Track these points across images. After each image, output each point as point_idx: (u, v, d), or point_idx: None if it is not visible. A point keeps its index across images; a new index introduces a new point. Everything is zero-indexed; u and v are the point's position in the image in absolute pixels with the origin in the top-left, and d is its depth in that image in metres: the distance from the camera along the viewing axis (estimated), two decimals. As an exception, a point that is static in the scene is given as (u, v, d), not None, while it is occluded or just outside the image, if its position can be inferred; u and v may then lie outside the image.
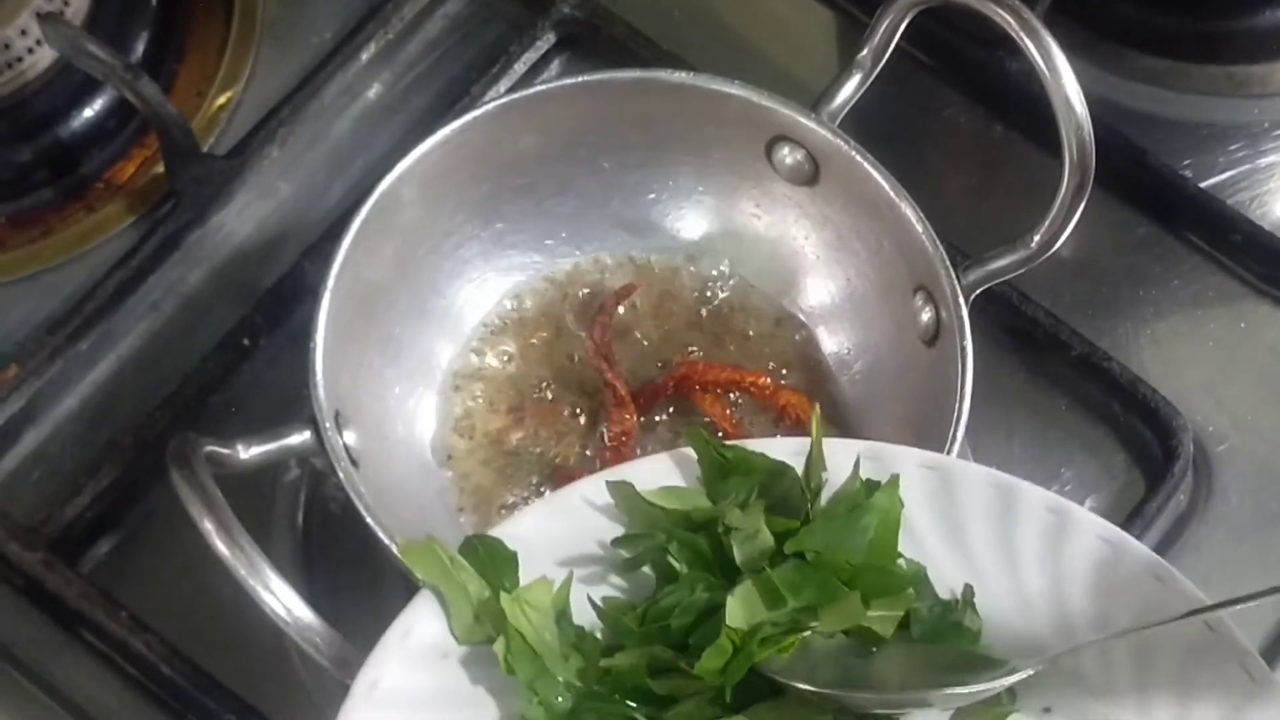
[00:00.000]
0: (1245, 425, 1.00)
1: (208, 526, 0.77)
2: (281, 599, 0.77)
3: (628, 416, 0.94)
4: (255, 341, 1.01)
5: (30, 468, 0.99)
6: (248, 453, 0.84)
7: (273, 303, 1.01)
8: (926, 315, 0.92)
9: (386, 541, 0.84)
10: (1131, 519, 0.96)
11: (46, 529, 0.95)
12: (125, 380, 1.01)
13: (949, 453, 0.86)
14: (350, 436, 0.88)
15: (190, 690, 0.92)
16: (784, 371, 0.97)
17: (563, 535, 0.78)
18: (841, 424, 0.96)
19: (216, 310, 1.02)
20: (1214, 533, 0.97)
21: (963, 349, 0.88)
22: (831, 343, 0.98)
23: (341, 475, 0.85)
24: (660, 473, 0.79)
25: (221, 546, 0.76)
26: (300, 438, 0.85)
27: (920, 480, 0.79)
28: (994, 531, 0.79)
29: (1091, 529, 0.79)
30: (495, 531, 0.77)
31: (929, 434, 0.88)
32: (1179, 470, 0.97)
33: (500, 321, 0.98)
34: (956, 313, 0.89)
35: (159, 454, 0.82)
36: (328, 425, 0.85)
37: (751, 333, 0.98)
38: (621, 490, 0.78)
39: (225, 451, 0.83)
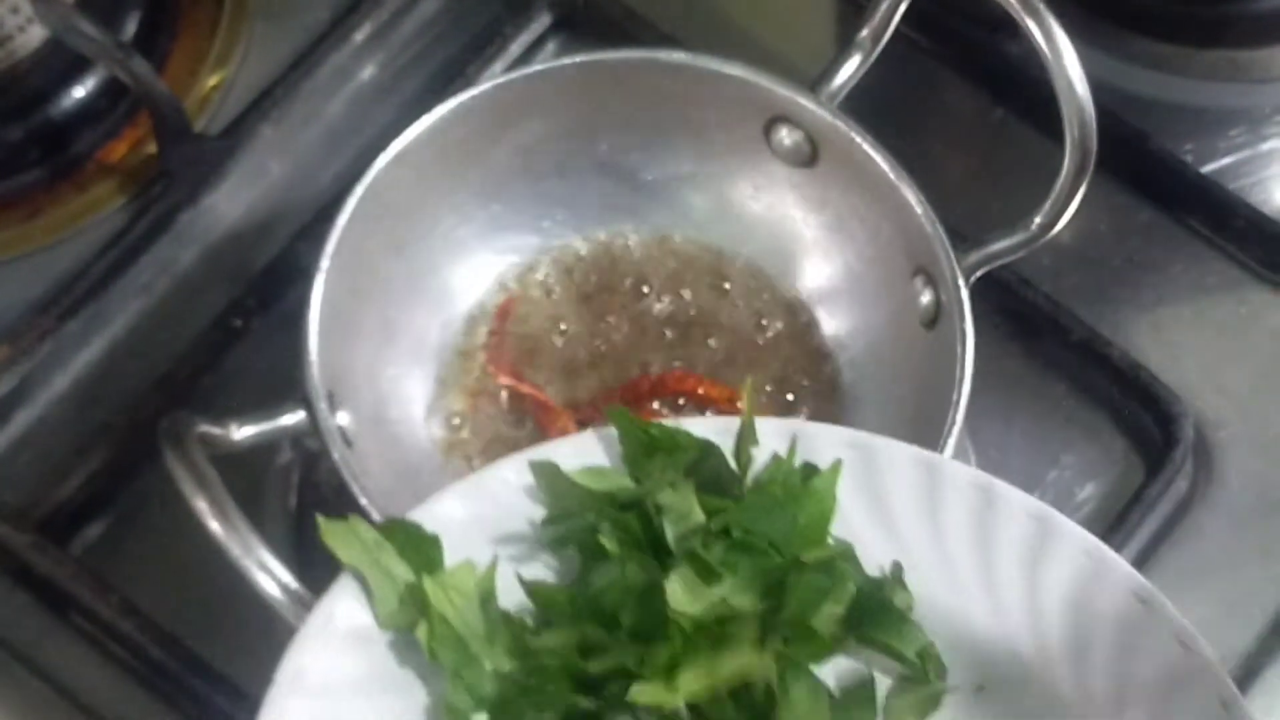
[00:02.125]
0: (1246, 411, 0.99)
1: (201, 505, 0.76)
2: (275, 579, 0.76)
3: (562, 423, 0.94)
4: (248, 323, 1.00)
5: (20, 449, 0.98)
6: (241, 433, 0.83)
7: (265, 284, 1.00)
8: (926, 298, 0.91)
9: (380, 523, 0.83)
10: (1131, 505, 0.95)
11: (37, 511, 0.95)
12: (116, 361, 1.00)
13: (947, 438, 0.86)
14: (344, 417, 0.87)
15: (181, 673, 0.91)
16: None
17: (488, 516, 0.77)
18: (838, 408, 0.95)
19: (209, 291, 1.01)
20: (1215, 518, 0.97)
21: (962, 332, 0.88)
22: (830, 325, 0.97)
23: (335, 456, 0.84)
24: (584, 452, 0.78)
25: (215, 525, 0.76)
26: (294, 418, 0.84)
27: (846, 460, 0.79)
28: (921, 509, 0.78)
29: (1020, 507, 0.78)
30: (415, 513, 0.76)
31: (928, 418, 0.87)
32: (1179, 456, 0.96)
33: (495, 302, 0.97)
34: (956, 295, 0.88)
35: (151, 436, 0.81)
36: (321, 405, 0.85)
37: (747, 315, 0.97)
38: (544, 470, 0.77)
39: (218, 431, 0.82)
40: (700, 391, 0.95)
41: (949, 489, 0.79)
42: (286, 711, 0.72)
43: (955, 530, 0.78)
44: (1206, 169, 1.04)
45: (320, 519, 0.75)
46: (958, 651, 0.77)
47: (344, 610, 0.74)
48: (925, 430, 0.87)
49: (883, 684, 0.77)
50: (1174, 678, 0.75)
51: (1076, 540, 0.78)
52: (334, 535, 0.75)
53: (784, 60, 1.01)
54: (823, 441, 0.79)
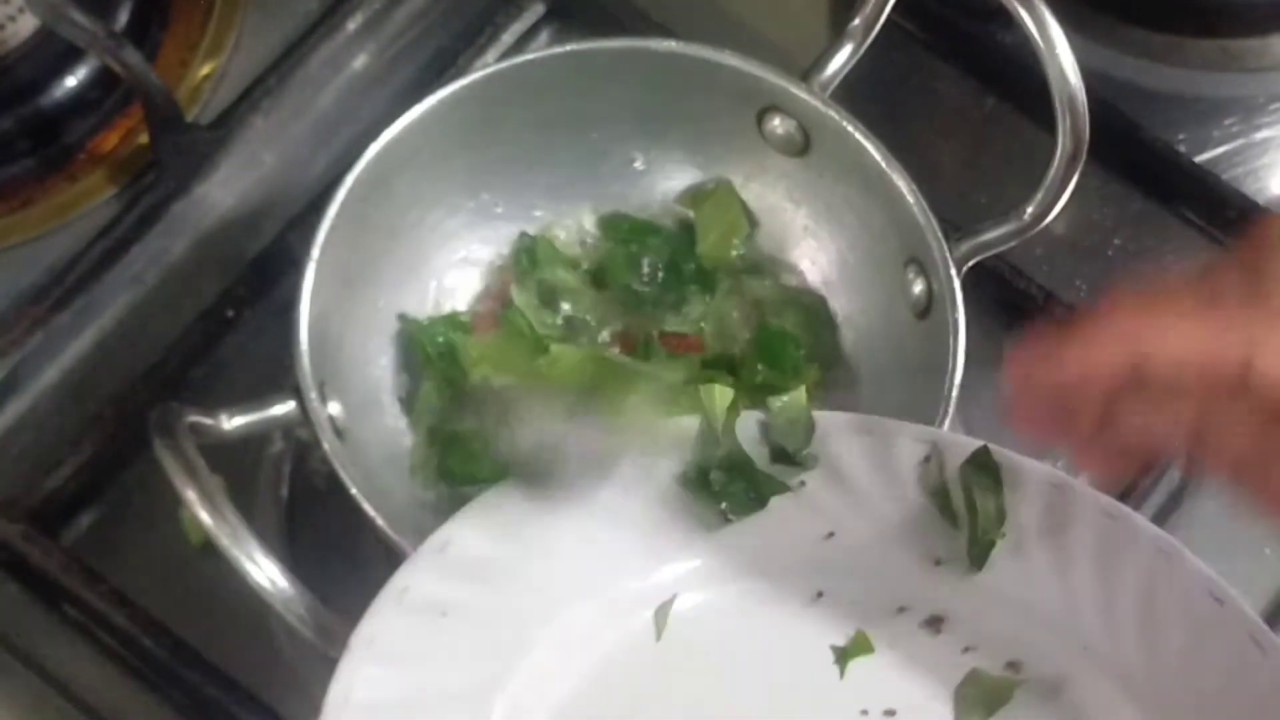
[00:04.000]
0: (1239, 401, 0.99)
1: (190, 495, 0.75)
2: (265, 570, 0.76)
3: None
4: (239, 313, 1.00)
5: (11, 439, 0.98)
6: (231, 423, 0.83)
7: (256, 274, 1.00)
8: (918, 288, 0.91)
9: (371, 513, 0.83)
10: (1126, 496, 0.95)
11: (27, 501, 0.94)
12: (107, 352, 1.00)
13: (940, 429, 0.85)
14: (334, 407, 0.87)
15: (172, 664, 0.91)
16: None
17: None
18: (831, 396, 0.95)
19: (200, 281, 1.01)
20: (1207, 508, 0.97)
21: (954, 321, 0.88)
22: (822, 314, 0.97)
23: (326, 446, 0.84)
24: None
25: (204, 516, 0.75)
26: (284, 408, 0.84)
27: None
28: None
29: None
30: None
31: (921, 407, 0.87)
32: (1172, 446, 0.96)
33: (486, 292, 0.97)
34: (948, 285, 0.88)
35: (141, 426, 0.81)
36: (312, 395, 0.84)
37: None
38: None
39: (209, 421, 0.82)
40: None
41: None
42: (357, 679, 0.73)
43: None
44: (1200, 158, 1.04)
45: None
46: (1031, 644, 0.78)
47: (415, 582, 0.75)
48: (918, 420, 0.86)
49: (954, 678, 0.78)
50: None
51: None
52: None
53: (776, 49, 1.00)
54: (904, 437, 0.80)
